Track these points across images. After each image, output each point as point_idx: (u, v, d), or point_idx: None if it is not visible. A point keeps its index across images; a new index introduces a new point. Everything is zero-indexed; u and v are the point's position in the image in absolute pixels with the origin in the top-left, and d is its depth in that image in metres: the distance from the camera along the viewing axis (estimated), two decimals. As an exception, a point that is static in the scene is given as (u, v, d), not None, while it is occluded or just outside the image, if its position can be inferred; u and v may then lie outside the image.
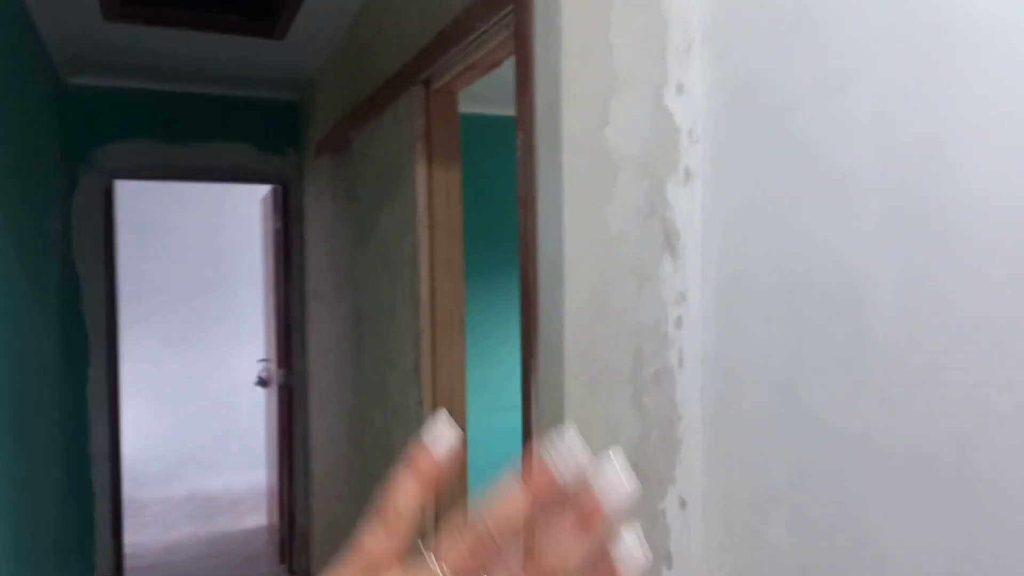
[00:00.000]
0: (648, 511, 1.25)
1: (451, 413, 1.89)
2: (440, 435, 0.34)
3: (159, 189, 5.05)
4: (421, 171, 1.87)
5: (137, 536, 4.17)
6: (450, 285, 1.88)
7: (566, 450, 0.32)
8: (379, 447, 2.30)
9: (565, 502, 0.32)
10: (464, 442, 1.93)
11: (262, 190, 4.07)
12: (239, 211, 5.30)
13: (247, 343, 5.21)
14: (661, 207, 1.27)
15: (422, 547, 0.32)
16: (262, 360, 4.12)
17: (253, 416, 5.22)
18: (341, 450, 2.87)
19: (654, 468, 1.26)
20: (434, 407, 1.87)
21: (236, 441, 5.37)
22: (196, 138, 3.48)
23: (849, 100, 1.00)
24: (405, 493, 0.33)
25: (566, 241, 1.19)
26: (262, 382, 4.11)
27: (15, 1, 2.29)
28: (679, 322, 1.28)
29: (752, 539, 1.20)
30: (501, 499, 0.32)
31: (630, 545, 0.32)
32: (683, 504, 1.28)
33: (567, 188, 1.19)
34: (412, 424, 1.96)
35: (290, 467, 3.68)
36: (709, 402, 1.28)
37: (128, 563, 3.59)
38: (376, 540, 0.32)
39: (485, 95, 3.67)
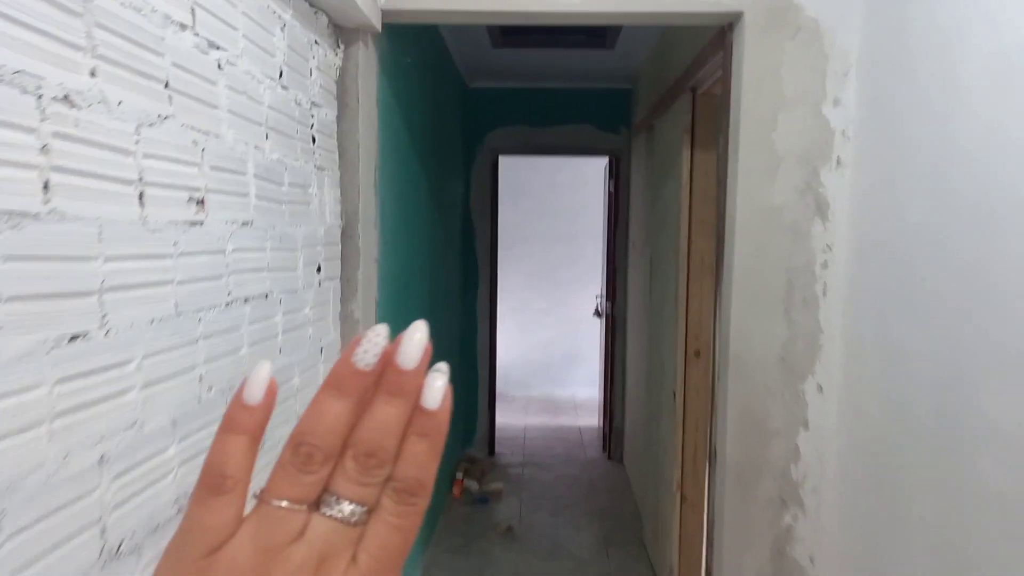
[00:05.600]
0: (792, 391, 1.86)
1: (699, 332, 2.59)
2: (254, 383, 0.31)
3: (528, 161, 6.38)
4: (686, 155, 2.58)
5: (505, 418, 5.61)
6: (702, 239, 2.58)
7: (369, 340, 0.31)
8: (656, 363, 3.10)
9: (377, 385, 0.31)
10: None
11: (604, 160, 5.03)
12: (587, 178, 6.40)
13: (590, 285, 6.33)
14: (815, 186, 1.83)
15: (256, 495, 0.31)
16: (597, 296, 5.15)
17: (594, 343, 6.37)
18: (641, 366, 3.73)
19: (799, 361, 1.86)
20: (687, 323, 2.61)
21: (580, 362, 6.61)
22: (553, 123, 4.56)
23: (940, 122, 1.50)
24: (229, 453, 0.30)
25: (738, 210, 1.85)
26: (597, 313, 5.15)
27: (439, 39, 3.51)
28: (825, 264, 1.84)
29: (862, 414, 1.74)
30: (313, 410, 0.31)
31: (430, 382, 0.31)
32: (820, 389, 1.86)
33: (741, 175, 1.84)
34: (677, 343, 2.71)
35: (611, 380, 4.67)
36: (847, 322, 1.82)
37: (498, 433, 4.97)
38: (211, 511, 0.30)
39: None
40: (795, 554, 1.90)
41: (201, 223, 1.11)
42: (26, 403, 0.74)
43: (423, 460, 0.31)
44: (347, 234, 1.89)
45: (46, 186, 0.76)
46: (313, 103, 1.68)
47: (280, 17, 1.45)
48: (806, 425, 1.87)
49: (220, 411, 1.21)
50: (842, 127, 1.82)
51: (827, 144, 1.83)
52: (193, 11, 1.07)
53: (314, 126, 1.69)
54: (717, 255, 2.00)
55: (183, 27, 1.05)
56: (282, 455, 0.31)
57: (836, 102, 1.82)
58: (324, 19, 1.72)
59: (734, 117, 1.89)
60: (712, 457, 2.02)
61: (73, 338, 0.81)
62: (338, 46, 1.85)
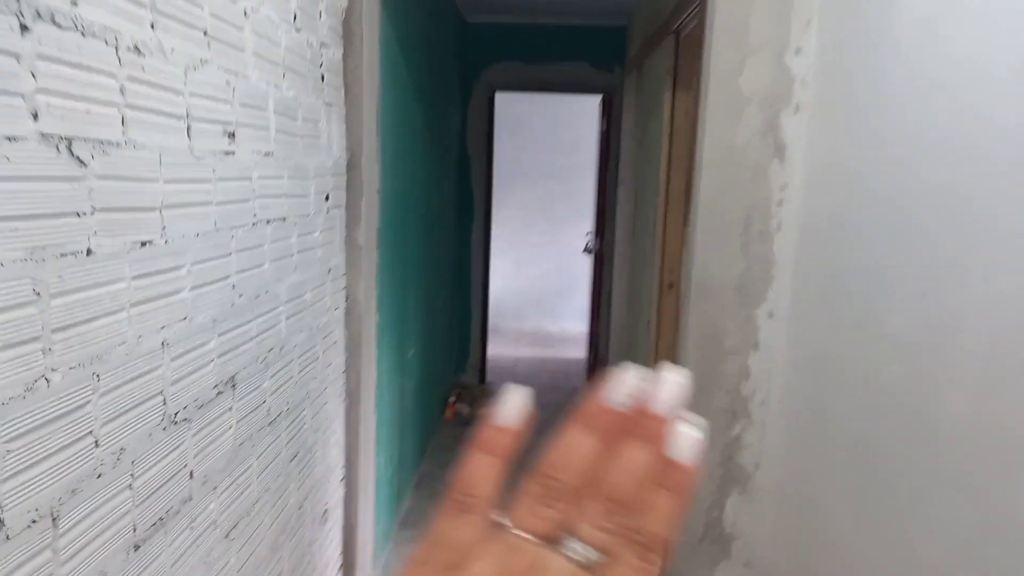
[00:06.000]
0: (745, 314, 2.10)
1: (673, 266, 2.82)
2: (509, 407, 0.32)
3: (529, 97, 6.47)
4: (668, 95, 2.75)
5: (496, 349, 5.89)
6: (680, 178, 2.78)
7: (619, 378, 0.31)
8: (636, 296, 3.33)
9: (628, 427, 0.31)
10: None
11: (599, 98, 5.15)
12: (586, 115, 6.52)
13: (585, 220, 6.53)
14: (776, 128, 2.02)
15: (500, 519, 0.31)
16: (588, 233, 5.35)
17: (586, 278, 6.61)
18: (624, 300, 3.96)
19: (753, 289, 2.08)
20: (663, 256, 2.83)
21: (572, 297, 6.86)
22: (549, 59, 4.67)
23: (886, 70, 1.68)
24: (479, 472, 0.31)
25: (705, 149, 2.04)
26: (587, 250, 5.36)
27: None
28: (780, 202, 2.04)
29: (806, 336, 1.98)
30: (562, 444, 0.31)
31: (684, 434, 0.31)
32: (771, 314, 2.09)
33: (708, 116, 2.02)
34: (653, 276, 2.93)
35: (598, 315, 4.91)
36: (798, 254, 2.04)
37: (489, 364, 5.24)
38: (456, 528, 0.31)
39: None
40: (742, 460, 2.17)
41: (233, 153, 1.31)
42: (114, 292, 0.96)
43: (669, 516, 0.30)
44: (352, 166, 2.08)
45: (123, 120, 0.96)
46: (322, 44, 1.85)
47: (294, -33, 1.61)
48: (757, 347, 2.11)
49: (248, 315, 1.43)
50: (802, 75, 1.99)
51: (788, 90, 2.01)
52: (225, -32, 1.25)
53: (323, 65, 1.86)
54: (687, 191, 2.20)
55: (217, -17, 1.22)
56: (527, 485, 0.31)
57: (798, 50, 1.99)
58: (331, -34, 1.88)
59: (706, 61, 2.06)
60: (676, 372, 2.27)
61: (143, 244, 1.03)
62: (343, -10, 2.00)
